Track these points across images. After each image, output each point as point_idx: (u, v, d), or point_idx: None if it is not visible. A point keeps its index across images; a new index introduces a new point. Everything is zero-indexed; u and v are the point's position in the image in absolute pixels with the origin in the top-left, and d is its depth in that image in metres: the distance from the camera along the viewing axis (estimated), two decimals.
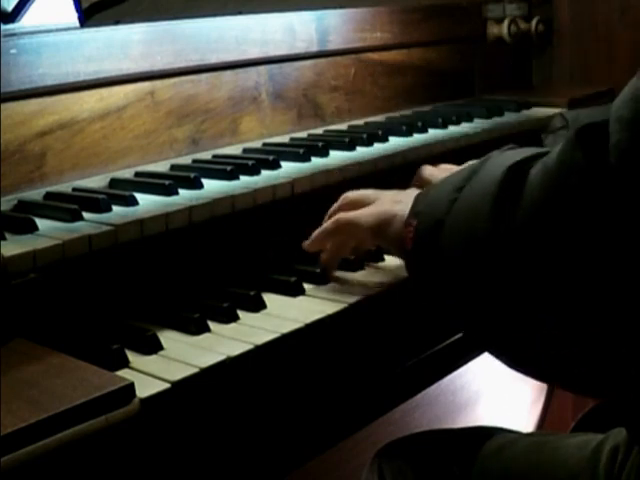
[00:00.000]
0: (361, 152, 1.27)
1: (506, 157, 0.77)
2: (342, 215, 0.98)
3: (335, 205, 1.03)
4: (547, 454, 0.96)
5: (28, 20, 1.06)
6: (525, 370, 0.78)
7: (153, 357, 0.81)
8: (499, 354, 0.78)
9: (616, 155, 0.62)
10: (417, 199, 0.87)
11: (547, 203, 0.67)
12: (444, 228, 0.79)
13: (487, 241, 0.72)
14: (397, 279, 1.00)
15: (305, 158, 1.21)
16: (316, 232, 1.00)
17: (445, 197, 0.80)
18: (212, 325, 0.88)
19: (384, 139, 1.35)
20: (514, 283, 0.71)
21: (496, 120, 1.54)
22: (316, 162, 1.21)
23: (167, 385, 0.75)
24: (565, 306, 0.67)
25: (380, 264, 1.06)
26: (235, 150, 1.31)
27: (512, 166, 0.73)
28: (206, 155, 1.27)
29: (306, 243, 1.01)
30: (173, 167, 1.22)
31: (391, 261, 1.06)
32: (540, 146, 1.29)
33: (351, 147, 1.29)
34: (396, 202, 0.94)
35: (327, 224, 0.99)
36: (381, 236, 0.94)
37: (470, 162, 0.86)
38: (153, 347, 0.82)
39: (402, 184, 1.24)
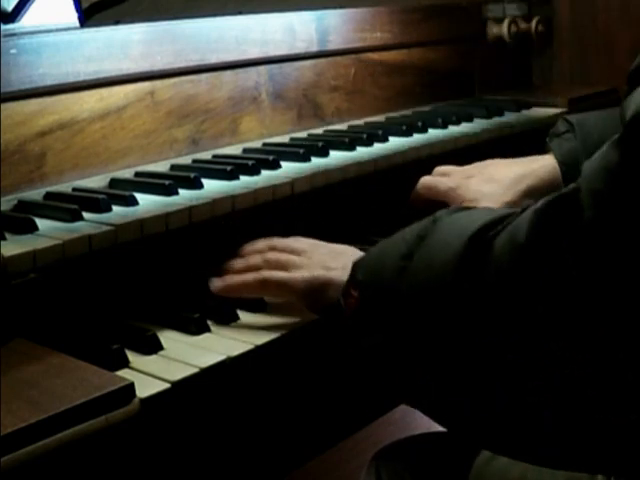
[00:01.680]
0: (361, 152, 1.27)
1: (461, 223, 0.73)
2: (270, 276, 0.91)
3: (258, 244, 0.98)
4: None
5: (28, 20, 1.06)
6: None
7: (153, 357, 0.81)
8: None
9: (590, 231, 0.60)
10: (355, 267, 0.81)
11: (518, 278, 0.64)
12: (394, 299, 0.74)
13: (449, 308, 0.69)
14: None
15: (305, 158, 1.21)
16: (234, 280, 0.93)
17: (391, 265, 0.75)
18: (212, 325, 0.88)
19: (384, 139, 1.35)
20: (483, 365, 0.67)
21: (496, 120, 1.54)
22: (316, 162, 1.21)
23: (167, 385, 0.75)
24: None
25: None
26: (235, 150, 1.31)
27: (473, 237, 0.68)
28: (206, 155, 1.27)
29: (217, 285, 0.93)
30: (173, 167, 1.22)
31: None
32: (541, 146, 1.29)
33: (351, 147, 1.29)
34: (329, 268, 0.89)
35: (250, 279, 0.92)
36: (312, 302, 0.89)
37: (410, 227, 0.79)
38: (153, 347, 0.82)
39: (402, 184, 1.25)
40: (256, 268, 0.94)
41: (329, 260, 0.91)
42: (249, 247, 0.99)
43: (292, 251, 0.94)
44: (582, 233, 0.60)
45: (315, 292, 0.89)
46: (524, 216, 0.66)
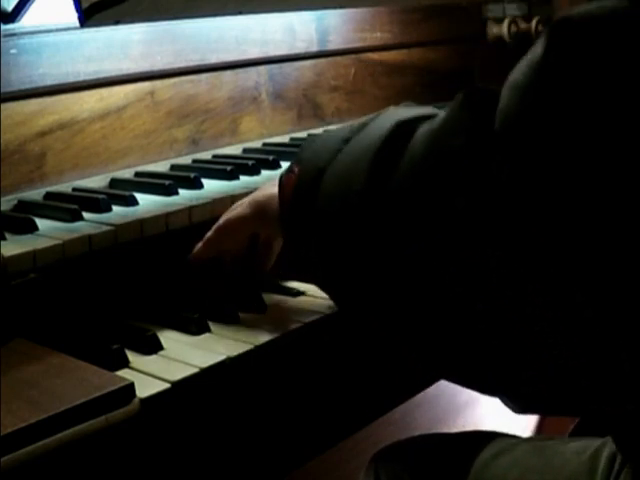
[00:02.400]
0: None
1: (398, 113, 0.70)
2: (218, 222, 0.93)
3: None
4: (545, 459, 0.96)
5: (28, 20, 1.06)
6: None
7: (153, 357, 0.81)
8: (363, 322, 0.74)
9: (501, 120, 0.56)
10: (302, 147, 0.81)
11: (425, 163, 0.61)
12: (324, 177, 0.73)
13: (361, 197, 0.66)
14: None
15: None
16: (198, 246, 0.94)
17: (331, 146, 0.74)
18: (212, 325, 0.88)
19: None
20: (379, 247, 0.64)
21: None
22: None
23: (167, 385, 0.75)
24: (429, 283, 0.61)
25: None
26: (235, 150, 1.31)
27: (400, 122, 0.66)
28: (206, 155, 1.27)
29: (191, 256, 0.95)
30: (173, 167, 1.22)
31: None
32: None
33: None
34: (271, 185, 0.89)
35: (207, 234, 0.94)
36: (264, 217, 0.89)
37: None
38: (153, 347, 0.82)
39: None
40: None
41: (261, 187, 0.93)
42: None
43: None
44: (493, 124, 0.57)
45: (261, 207, 0.89)
46: (447, 108, 0.63)
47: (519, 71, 0.57)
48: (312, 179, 0.74)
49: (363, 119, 0.76)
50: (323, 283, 0.82)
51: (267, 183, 0.92)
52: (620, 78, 0.52)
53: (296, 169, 0.78)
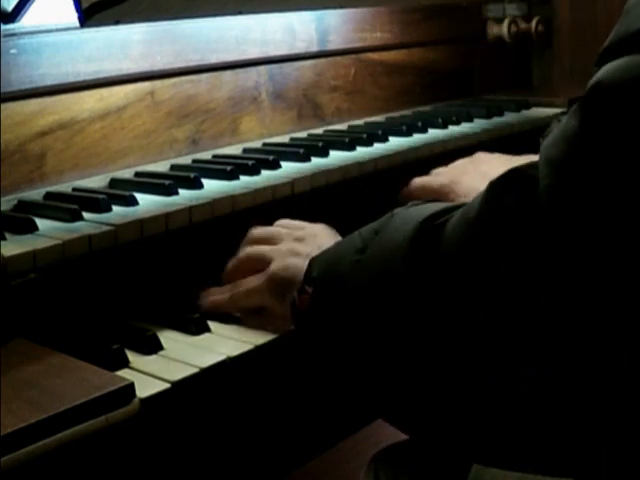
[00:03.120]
0: (361, 152, 1.27)
1: (413, 214, 0.70)
2: (237, 291, 0.91)
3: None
4: None
5: (28, 20, 1.06)
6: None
7: (153, 357, 0.81)
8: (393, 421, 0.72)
9: (547, 199, 0.56)
10: (311, 263, 0.80)
11: (469, 253, 0.60)
12: (352, 292, 0.71)
13: (405, 307, 0.65)
14: None
15: (305, 158, 1.21)
16: (209, 300, 0.92)
17: (346, 260, 0.73)
18: (212, 325, 0.88)
19: (384, 139, 1.35)
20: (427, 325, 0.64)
21: (496, 120, 1.54)
22: (316, 162, 1.21)
23: (167, 385, 0.75)
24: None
25: None
26: (235, 150, 1.31)
27: (424, 221, 0.65)
28: (206, 155, 1.27)
29: (202, 303, 0.93)
30: (173, 167, 1.22)
31: None
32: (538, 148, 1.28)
33: (351, 147, 1.29)
34: (298, 254, 0.87)
35: (219, 299, 0.92)
36: (282, 299, 0.86)
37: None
38: (153, 347, 0.82)
39: (402, 184, 1.25)
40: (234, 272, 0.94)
41: (298, 245, 0.89)
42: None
43: (268, 239, 0.94)
44: (538, 203, 0.57)
45: (283, 285, 0.86)
46: (476, 197, 0.63)
47: (556, 146, 0.58)
48: (332, 297, 0.73)
49: (371, 226, 0.75)
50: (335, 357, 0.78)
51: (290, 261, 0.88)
52: None
53: (309, 289, 0.77)
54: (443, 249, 0.62)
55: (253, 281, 0.90)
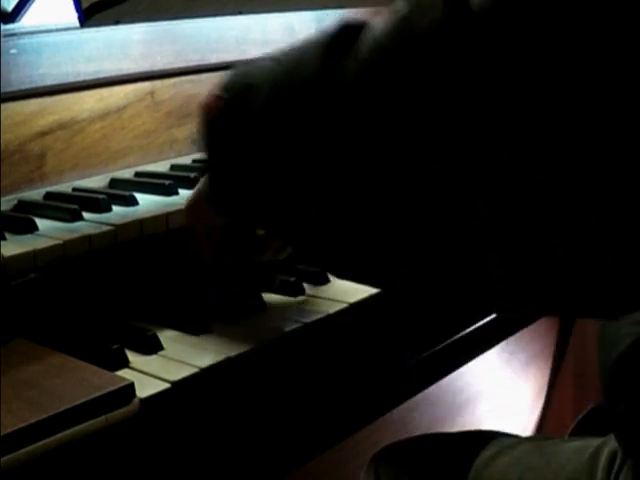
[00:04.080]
0: None
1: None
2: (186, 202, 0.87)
3: None
4: (545, 459, 0.96)
5: (28, 20, 1.06)
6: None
7: (153, 357, 0.81)
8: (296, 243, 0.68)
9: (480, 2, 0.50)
10: (226, 77, 0.75)
11: (391, 43, 0.55)
12: (257, 88, 0.67)
13: (310, 87, 0.60)
14: None
15: None
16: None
17: (261, 66, 0.70)
18: (212, 325, 0.88)
19: None
20: (334, 139, 0.58)
21: None
22: None
23: (167, 385, 0.75)
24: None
25: None
26: None
27: (344, 23, 0.60)
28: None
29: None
30: (173, 167, 1.22)
31: None
32: None
33: None
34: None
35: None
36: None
37: None
38: (153, 347, 0.82)
39: None
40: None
41: None
42: None
43: None
44: (469, 4, 0.51)
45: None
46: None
47: None
48: (242, 94, 0.67)
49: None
50: (248, 203, 0.73)
51: None
52: None
53: (221, 94, 0.72)
54: (363, 40, 0.57)
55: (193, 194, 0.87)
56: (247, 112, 0.67)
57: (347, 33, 0.59)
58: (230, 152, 0.71)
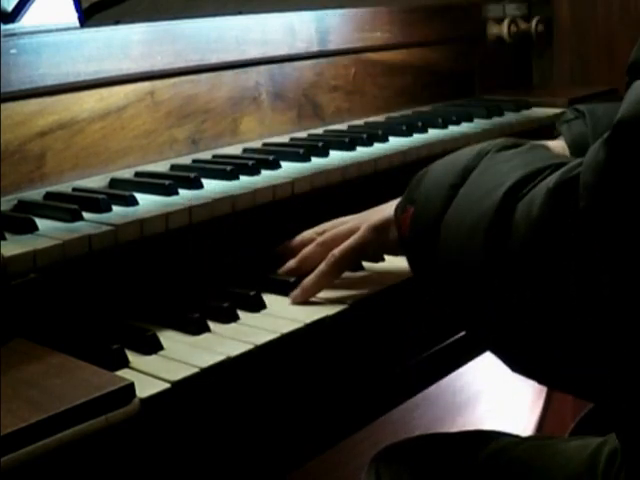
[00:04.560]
0: (361, 152, 1.27)
1: (500, 170, 0.78)
2: (338, 250, 0.96)
3: (303, 237, 1.03)
4: (546, 458, 0.96)
5: (28, 20, 1.06)
6: (523, 372, 0.78)
7: (153, 357, 0.81)
8: (495, 352, 0.80)
9: (583, 219, 0.65)
10: (411, 184, 0.87)
11: (530, 246, 0.70)
12: (441, 229, 0.80)
13: (479, 263, 0.74)
14: (399, 278, 1.00)
15: (305, 158, 1.21)
16: (311, 279, 0.95)
17: (443, 192, 0.81)
18: (212, 325, 0.88)
19: (384, 139, 1.35)
20: (494, 302, 0.73)
21: (496, 120, 1.54)
22: (316, 162, 1.21)
23: (167, 385, 0.75)
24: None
25: (380, 265, 1.06)
26: (235, 150, 1.31)
27: (507, 192, 0.74)
28: (206, 155, 1.27)
29: (297, 294, 0.95)
30: (173, 167, 1.22)
31: (391, 262, 1.06)
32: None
33: (351, 147, 1.29)
34: (381, 211, 0.97)
35: (323, 267, 0.96)
36: (383, 245, 0.96)
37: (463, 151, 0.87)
38: (153, 347, 0.82)
39: (402, 184, 1.25)
40: (314, 256, 0.99)
41: (374, 212, 0.98)
42: (296, 243, 1.04)
43: (336, 227, 1.00)
44: (578, 221, 0.66)
45: (381, 234, 0.95)
46: (541, 188, 0.70)
47: (589, 172, 0.66)
48: (429, 227, 0.81)
49: (465, 160, 0.83)
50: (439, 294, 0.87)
51: (375, 210, 0.99)
52: None
53: (411, 209, 0.85)
54: (513, 231, 0.71)
55: (351, 241, 0.96)
56: (433, 248, 0.80)
57: (504, 217, 0.73)
58: (425, 269, 0.84)
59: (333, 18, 1.50)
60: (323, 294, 0.96)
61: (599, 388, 0.71)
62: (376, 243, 0.96)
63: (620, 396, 0.69)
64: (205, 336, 0.86)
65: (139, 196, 1.02)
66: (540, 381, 0.80)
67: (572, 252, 0.66)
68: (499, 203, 0.73)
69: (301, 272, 0.98)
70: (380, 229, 0.95)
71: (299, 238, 1.04)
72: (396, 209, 0.88)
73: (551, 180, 0.70)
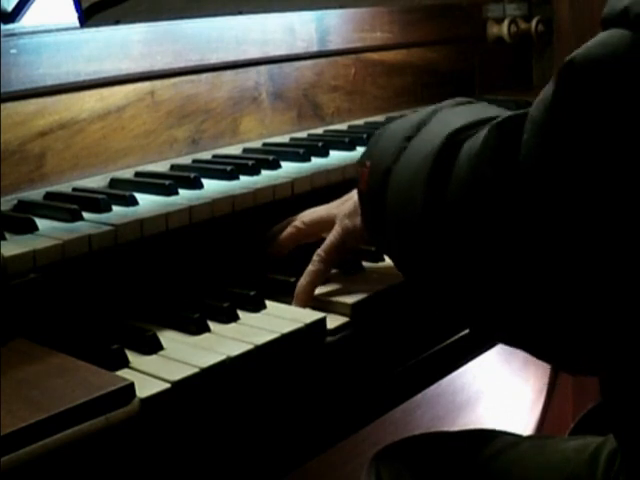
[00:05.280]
0: (361, 152, 1.27)
1: (449, 120, 0.78)
2: (321, 251, 0.98)
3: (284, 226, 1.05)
4: (546, 458, 0.96)
5: (28, 20, 1.06)
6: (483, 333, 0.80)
7: (153, 357, 0.81)
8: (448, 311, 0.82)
9: (523, 154, 0.65)
10: (372, 140, 0.89)
11: (469, 187, 0.69)
12: (390, 177, 0.81)
13: (420, 207, 0.74)
14: (399, 278, 1.00)
15: (305, 158, 1.21)
16: (305, 280, 0.96)
17: (396, 144, 0.82)
18: (212, 325, 0.88)
19: None
20: (439, 255, 0.73)
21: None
22: (316, 162, 1.21)
23: (167, 385, 0.75)
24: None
25: (380, 265, 1.06)
26: (235, 150, 1.31)
27: (449, 136, 0.74)
28: (206, 155, 1.27)
29: (299, 300, 0.96)
30: (173, 167, 1.22)
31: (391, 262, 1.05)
32: None
33: (351, 147, 1.29)
34: (349, 199, 1.00)
35: (313, 268, 0.97)
36: (356, 221, 0.97)
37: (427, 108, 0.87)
38: (153, 347, 0.82)
39: None
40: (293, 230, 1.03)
41: (345, 200, 1.01)
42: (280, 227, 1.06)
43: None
44: (522, 151, 0.65)
45: (355, 218, 0.96)
46: (489, 126, 0.69)
47: (536, 107, 0.66)
48: (381, 177, 0.83)
49: (423, 112, 0.84)
50: (391, 258, 0.90)
51: (345, 198, 1.02)
52: (617, 114, 0.60)
53: (367, 163, 0.87)
54: (454, 174, 0.71)
55: (331, 239, 0.98)
56: (383, 199, 0.82)
57: (446, 160, 0.73)
58: (374, 219, 0.86)
59: (333, 18, 1.50)
60: (323, 294, 0.96)
61: (553, 347, 0.71)
62: (353, 229, 0.97)
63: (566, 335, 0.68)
64: (205, 336, 0.86)
65: (139, 196, 1.02)
66: (501, 341, 0.79)
67: (514, 190, 0.65)
68: (440, 146, 0.73)
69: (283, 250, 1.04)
70: (354, 214, 0.97)
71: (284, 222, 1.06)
72: (356, 164, 0.90)
73: (496, 119, 0.70)
